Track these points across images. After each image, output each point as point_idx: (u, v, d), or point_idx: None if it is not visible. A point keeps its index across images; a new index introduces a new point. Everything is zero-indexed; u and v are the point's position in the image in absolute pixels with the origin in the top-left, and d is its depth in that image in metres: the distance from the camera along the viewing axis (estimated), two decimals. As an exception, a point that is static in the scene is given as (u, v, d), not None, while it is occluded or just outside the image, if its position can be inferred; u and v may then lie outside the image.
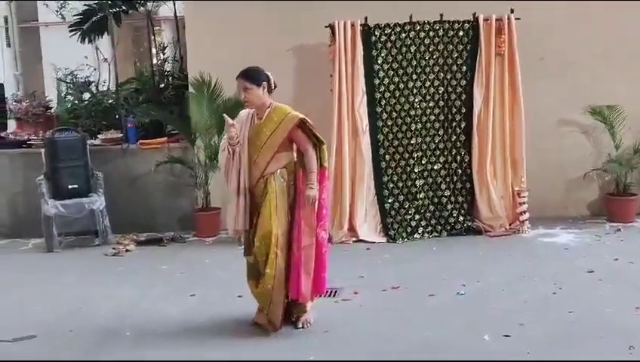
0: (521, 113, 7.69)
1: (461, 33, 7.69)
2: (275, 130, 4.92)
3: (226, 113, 7.80)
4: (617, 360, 4.35)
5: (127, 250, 7.62)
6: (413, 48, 7.67)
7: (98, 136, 8.92)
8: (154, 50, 10.90)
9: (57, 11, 12.25)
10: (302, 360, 4.49)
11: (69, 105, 10.00)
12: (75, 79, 10.77)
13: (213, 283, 6.32)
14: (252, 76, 4.95)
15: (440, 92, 7.74)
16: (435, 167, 7.79)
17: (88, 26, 10.22)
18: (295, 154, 5.04)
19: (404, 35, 7.66)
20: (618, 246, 7.04)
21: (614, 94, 8.00)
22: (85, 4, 10.59)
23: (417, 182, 7.76)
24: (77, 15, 10.48)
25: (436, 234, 7.76)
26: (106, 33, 10.25)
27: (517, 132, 7.75)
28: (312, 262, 4.90)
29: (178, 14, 10.44)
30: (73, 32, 10.41)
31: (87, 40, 10.45)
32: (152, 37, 11.10)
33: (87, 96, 10.32)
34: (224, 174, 5.10)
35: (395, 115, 7.72)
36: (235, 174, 4.96)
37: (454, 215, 7.79)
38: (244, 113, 5.12)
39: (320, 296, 5.18)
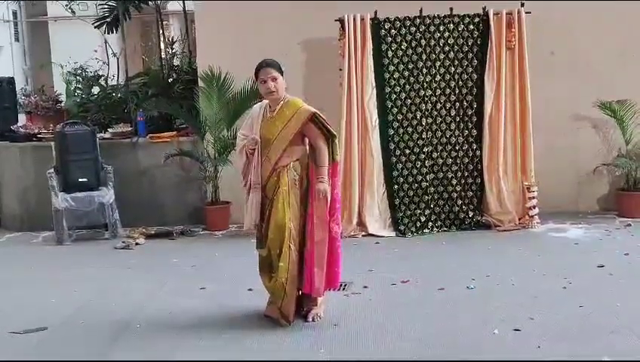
0: (529, 108, 7.65)
1: (471, 27, 7.67)
2: (287, 124, 4.90)
3: (235, 107, 7.91)
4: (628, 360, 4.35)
5: (137, 244, 7.64)
6: (423, 42, 7.66)
7: (108, 129, 8.94)
8: (162, 45, 10.93)
9: (67, 5, 12.26)
10: (313, 361, 4.50)
11: (79, 99, 10.02)
12: (84, 73, 10.79)
13: (224, 276, 6.33)
14: (278, 66, 4.94)
15: (451, 86, 7.72)
16: (446, 162, 7.78)
17: (112, 19, 10.28)
18: (308, 148, 5.02)
19: (414, 28, 7.64)
20: (628, 241, 7.03)
21: (626, 90, 7.98)
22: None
23: (427, 177, 7.75)
24: (101, 6, 10.54)
25: (446, 229, 7.75)
26: (117, 27, 10.30)
27: (526, 127, 7.72)
28: (325, 256, 4.90)
29: (187, 9, 10.48)
30: (99, 24, 10.47)
31: (113, 31, 10.55)
32: (161, 31, 11.13)
33: (96, 90, 10.35)
34: (242, 176, 5.07)
35: (405, 109, 7.71)
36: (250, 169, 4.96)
37: (464, 210, 7.78)
38: (257, 107, 5.13)
39: (332, 289, 5.18)
